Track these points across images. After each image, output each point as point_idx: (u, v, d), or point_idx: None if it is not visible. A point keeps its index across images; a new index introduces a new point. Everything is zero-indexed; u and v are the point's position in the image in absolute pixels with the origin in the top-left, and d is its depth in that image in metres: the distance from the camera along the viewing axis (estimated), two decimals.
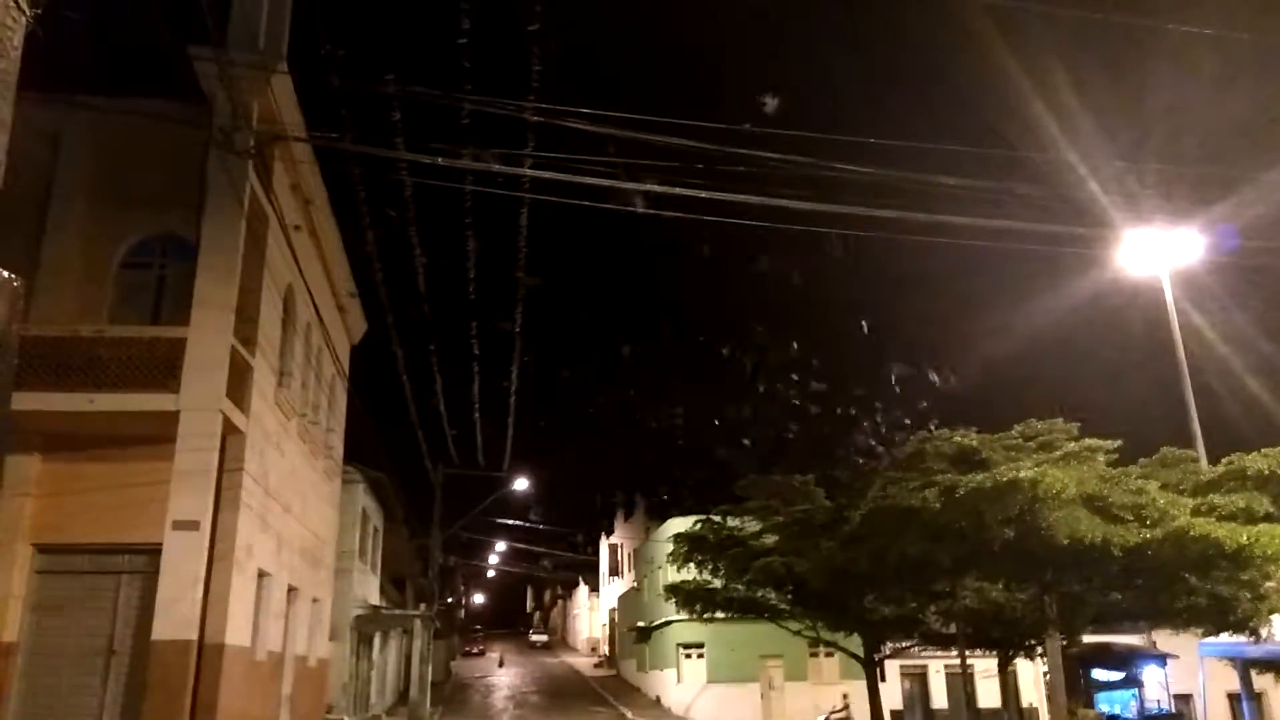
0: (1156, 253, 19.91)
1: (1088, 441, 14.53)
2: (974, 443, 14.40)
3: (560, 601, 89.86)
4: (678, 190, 7.85)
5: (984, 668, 26.84)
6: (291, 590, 16.87)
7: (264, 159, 13.87)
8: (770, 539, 21.05)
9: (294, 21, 14.17)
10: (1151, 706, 19.55)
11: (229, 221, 13.09)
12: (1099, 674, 19.68)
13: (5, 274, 2.90)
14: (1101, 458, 14.24)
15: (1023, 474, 12.09)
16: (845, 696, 26.20)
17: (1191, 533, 12.21)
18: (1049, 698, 28.79)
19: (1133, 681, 19.71)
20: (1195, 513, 13.02)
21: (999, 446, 14.47)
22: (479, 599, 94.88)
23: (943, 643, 24.83)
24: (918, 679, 32.33)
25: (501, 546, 63.52)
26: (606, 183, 7.95)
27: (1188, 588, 13.76)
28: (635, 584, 47.83)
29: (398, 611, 32.06)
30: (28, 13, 8.04)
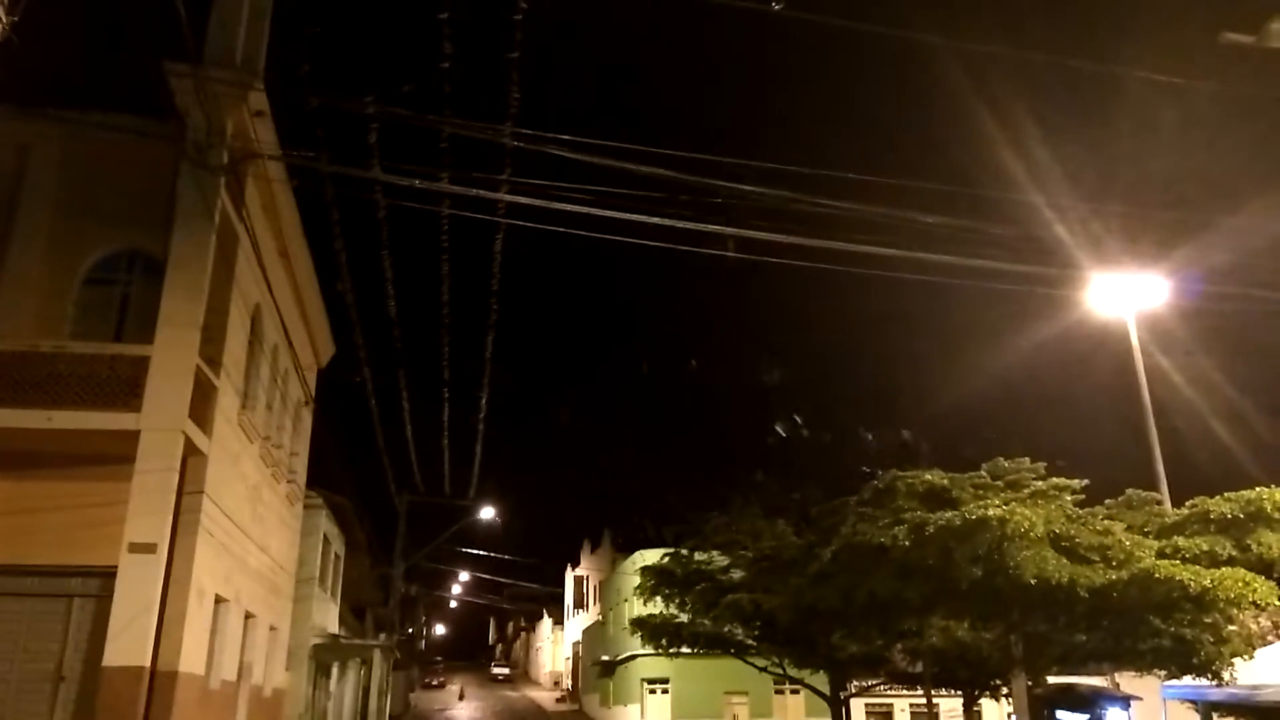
0: (1122, 296, 20.27)
1: (1054, 481, 14.61)
2: (944, 481, 14.43)
3: (523, 634, 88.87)
4: (654, 220, 7.80)
5: (949, 707, 26.77)
6: (249, 617, 16.49)
7: (237, 177, 13.74)
8: (738, 574, 20.93)
9: (271, 40, 14.10)
10: None
11: (198, 239, 12.92)
12: (1063, 715, 19.60)
13: None
14: (1069, 497, 14.31)
15: (991, 512, 12.11)
16: None
17: (1157, 574, 12.25)
18: None
19: None
20: (1160, 555, 13.08)
21: (968, 485, 14.51)
22: (440, 630, 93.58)
23: (909, 681, 24.76)
24: (883, 718, 32.19)
25: (465, 577, 62.81)
26: (581, 209, 7.89)
27: (1152, 629, 13.76)
28: (600, 617, 47.39)
29: (357, 641, 31.47)
30: (4, 20, 7.92)
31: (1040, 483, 14.68)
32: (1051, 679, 19.47)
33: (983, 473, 15.34)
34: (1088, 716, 19.90)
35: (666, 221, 7.82)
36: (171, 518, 11.97)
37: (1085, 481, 14.93)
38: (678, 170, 7.82)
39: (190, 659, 12.42)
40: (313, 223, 17.60)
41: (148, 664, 11.32)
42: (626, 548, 47.86)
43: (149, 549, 11.61)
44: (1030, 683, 15.72)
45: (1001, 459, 15.83)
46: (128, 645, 11.25)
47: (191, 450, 12.53)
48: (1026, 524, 11.98)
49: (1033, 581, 12.05)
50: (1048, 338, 23.10)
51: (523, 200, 8.06)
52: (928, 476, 14.64)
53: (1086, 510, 14.17)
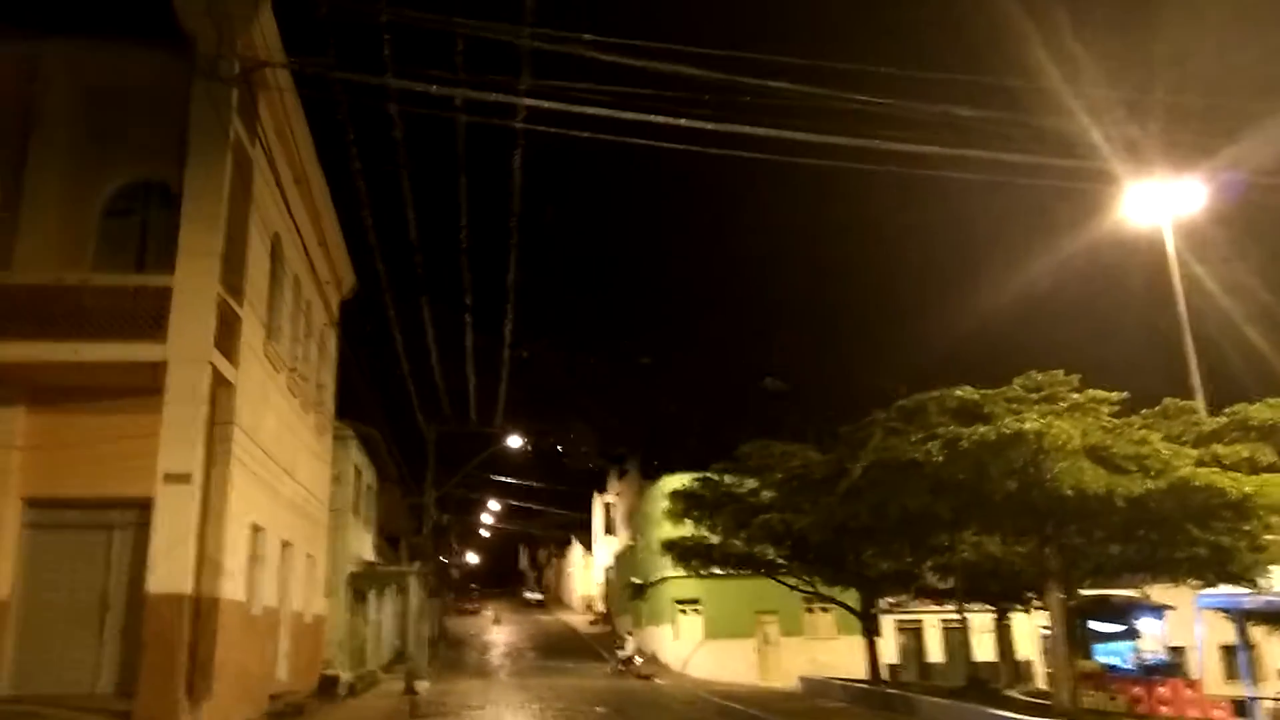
0: (1158, 203, 19.68)
1: (1092, 393, 14.37)
2: (976, 397, 14.21)
3: (554, 560, 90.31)
4: (680, 122, 7.48)
5: (978, 623, 26.98)
6: (286, 545, 16.71)
7: (250, 96, 13.45)
8: (768, 495, 20.96)
9: None
10: (1149, 658, 19.60)
11: (213, 167, 12.71)
12: (1097, 626, 19.71)
13: None
14: (1106, 409, 14.08)
15: (1027, 425, 11.93)
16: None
17: (1195, 482, 12.10)
18: (1047, 650, 29.00)
19: (1131, 633, 19.75)
20: (1198, 463, 12.90)
21: (1001, 400, 14.29)
22: (473, 558, 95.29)
23: (939, 597, 24.93)
24: (913, 633, 32.52)
25: (495, 505, 63.65)
26: (606, 113, 7.57)
27: (1189, 538, 13.65)
28: (631, 541, 47.98)
29: (393, 568, 32.03)
30: None
31: (1077, 395, 14.42)
32: (1084, 592, 19.51)
33: (1016, 386, 15.09)
34: (1123, 627, 20.04)
35: (689, 123, 7.48)
36: (204, 448, 11.99)
37: (1125, 394, 14.67)
38: (701, 68, 7.47)
39: (231, 586, 12.57)
40: (327, 146, 17.31)
41: (190, 591, 11.45)
42: (653, 473, 48.17)
43: (184, 479, 11.65)
44: (1064, 595, 15.72)
45: (1034, 372, 15.56)
46: (169, 573, 11.36)
47: (219, 380, 12.51)
48: (1064, 437, 11.80)
49: (1069, 493, 11.93)
50: (1079, 248, 22.56)
51: (542, 104, 7.74)
52: (959, 393, 14.42)
53: (1123, 420, 13.95)
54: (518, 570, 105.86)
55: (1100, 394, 14.33)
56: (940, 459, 12.75)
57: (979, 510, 13.66)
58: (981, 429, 12.50)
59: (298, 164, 16.61)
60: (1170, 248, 19.30)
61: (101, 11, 14.18)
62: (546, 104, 7.81)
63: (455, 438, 33.26)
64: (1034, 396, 14.66)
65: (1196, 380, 17.92)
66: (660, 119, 7.50)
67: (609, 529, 61.51)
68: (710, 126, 7.66)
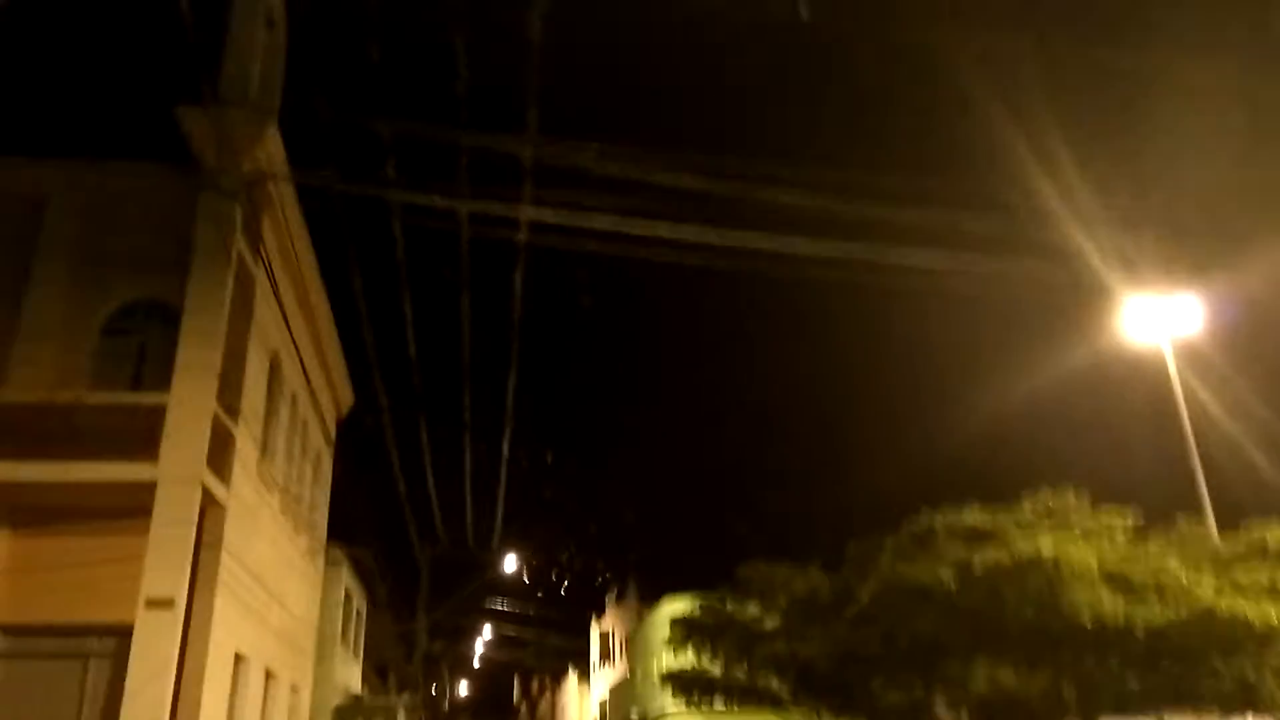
0: (1157, 320, 19.71)
1: (1105, 517, 14.01)
2: (986, 519, 13.86)
3: (549, 692, 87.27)
4: (680, 235, 7.45)
5: None
6: (270, 677, 16.00)
7: (252, 217, 13.59)
8: (773, 622, 20.21)
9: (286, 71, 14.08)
10: None
11: (215, 284, 12.74)
12: None
13: None
14: (1120, 534, 13.72)
15: (1044, 551, 11.56)
16: None
17: (1218, 612, 11.65)
18: None
19: None
20: (1218, 590, 12.46)
21: (1012, 523, 13.92)
22: (464, 688, 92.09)
23: None
24: None
25: (488, 633, 61.85)
26: (610, 226, 7.50)
27: (1212, 670, 13.09)
28: (628, 672, 46.35)
29: (380, 701, 30.76)
30: None
31: (1088, 520, 14.08)
32: None
33: (1026, 509, 14.74)
34: None
35: (693, 237, 7.45)
36: (189, 572, 11.60)
37: (1137, 517, 14.30)
38: (710, 177, 7.50)
39: None
40: (329, 261, 17.42)
41: None
42: (652, 597, 46.97)
43: (166, 604, 11.21)
44: None
45: (1044, 492, 15.21)
46: (145, 707, 10.81)
47: (210, 501, 12.20)
48: (1081, 564, 11.42)
49: (1089, 624, 11.48)
50: (1081, 362, 22.49)
51: (545, 217, 7.72)
52: (968, 517, 14.08)
53: (1139, 545, 13.56)
54: (510, 702, 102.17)
55: (1114, 518, 13.98)
56: (952, 585, 12.32)
57: (993, 638, 13.11)
58: (994, 554, 12.12)
59: (300, 282, 16.69)
60: (1171, 365, 19.26)
61: (105, 132, 14.49)
62: (550, 216, 7.80)
63: (449, 561, 32.53)
64: (1046, 521, 14.30)
65: (1205, 500, 17.56)
66: (664, 231, 7.49)
67: (605, 658, 59.59)
68: (715, 241, 7.64)
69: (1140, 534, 14.33)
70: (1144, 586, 12.07)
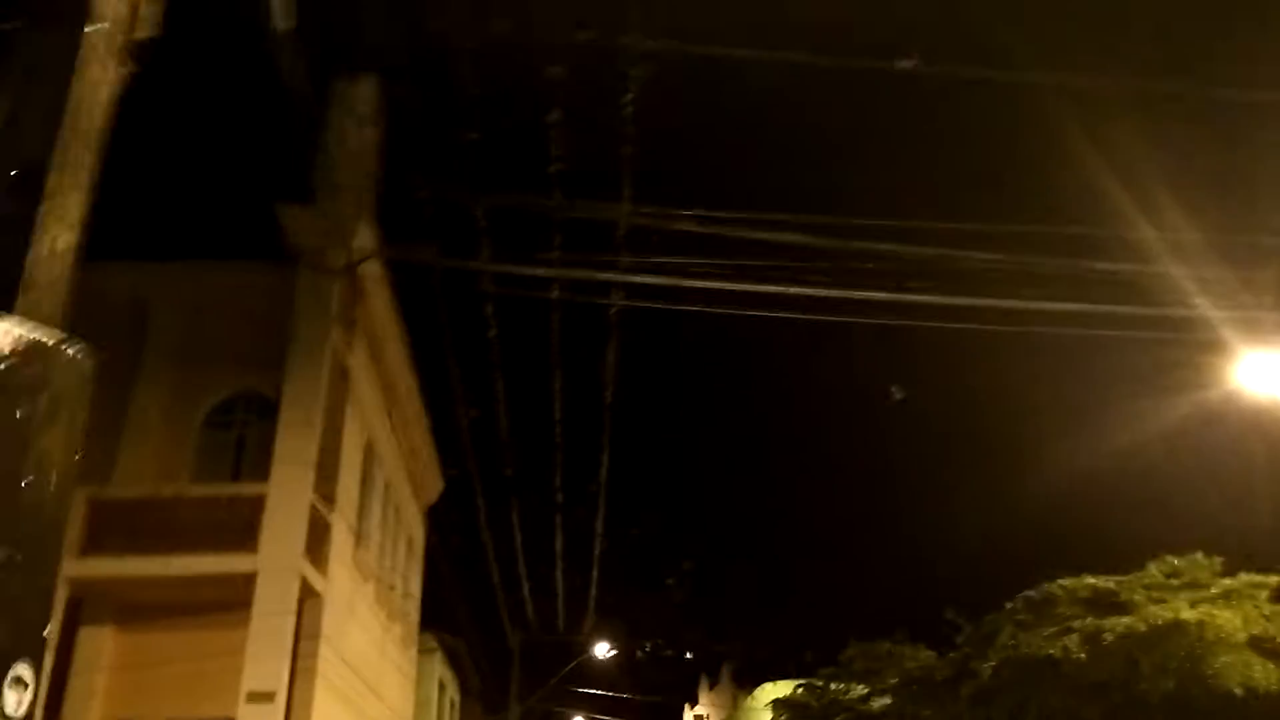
0: (1277, 373, 18.68)
1: (1247, 577, 13.04)
2: (1111, 585, 13.01)
3: None
4: (793, 290, 7.24)
5: None
6: None
7: (348, 308, 13.81)
8: (881, 703, 19.27)
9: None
10: None
11: (311, 376, 12.89)
12: None
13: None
14: (1264, 595, 12.72)
15: (1184, 615, 10.75)
16: None
17: None
18: None
19: None
20: None
21: (1139, 587, 13.05)
22: None
23: None
24: None
25: None
26: (708, 284, 7.30)
27: None
28: None
29: None
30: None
31: (1229, 580, 13.11)
32: None
33: (1154, 571, 13.83)
34: None
35: (797, 290, 7.21)
36: (289, 663, 11.49)
37: None
38: (810, 235, 7.29)
39: None
40: (420, 348, 17.58)
41: None
42: (746, 683, 45.45)
43: (267, 698, 11.09)
44: None
45: (1170, 557, 14.27)
46: None
47: (308, 592, 12.14)
48: (1229, 627, 10.57)
49: (1239, 693, 10.57)
50: (1193, 416, 21.31)
51: (646, 280, 7.57)
52: (1091, 580, 13.25)
53: None
54: None
55: (1258, 578, 12.98)
56: (1082, 655, 11.51)
57: (1131, 713, 12.17)
58: (1126, 620, 11.32)
59: (392, 371, 16.86)
60: None
61: (205, 231, 14.99)
62: (651, 279, 7.65)
63: (540, 646, 31.94)
64: (1175, 583, 13.37)
65: None
66: (769, 288, 7.28)
67: None
68: (815, 293, 7.40)
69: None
70: None
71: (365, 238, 13.64)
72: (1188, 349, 14.34)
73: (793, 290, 7.30)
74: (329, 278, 13.08)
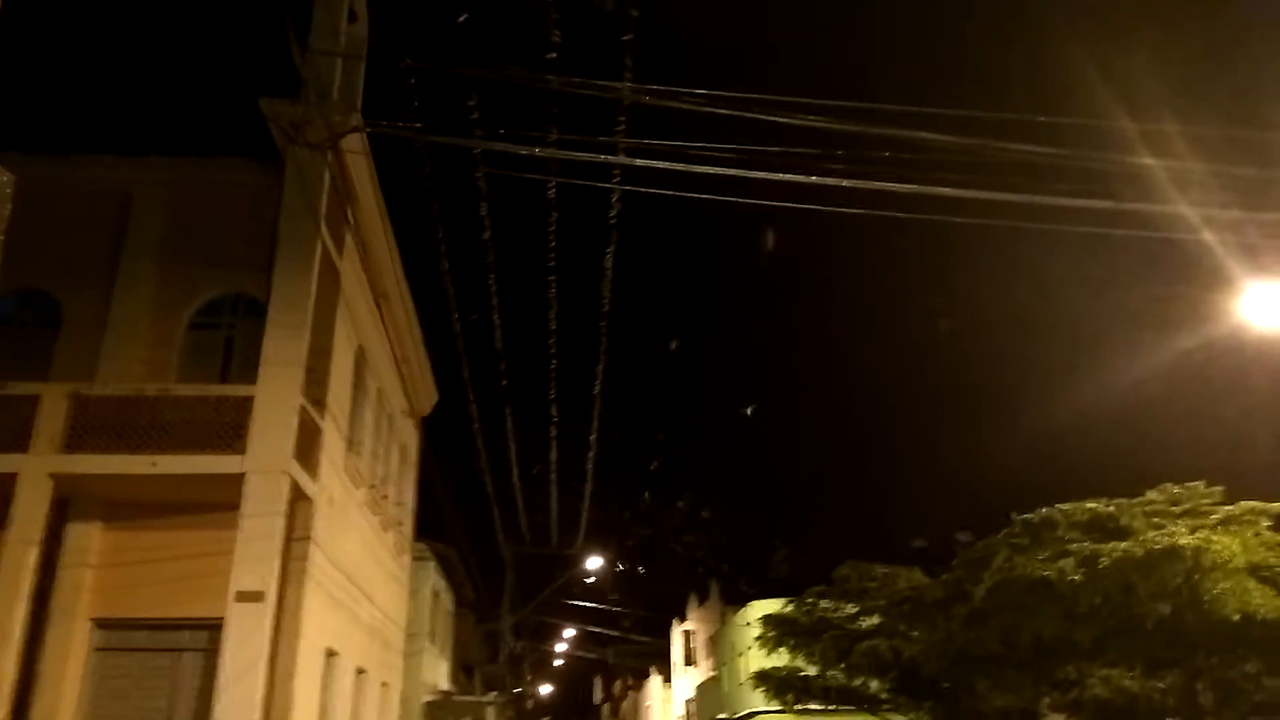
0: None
1: (1248, 504, 12.91)
2: (1111, 509, 12.88)
3: (631, 692, 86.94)
4: (810, 179, 6.76)
5: None
6: (360, 672, 15.80)
7: (337, 214, 13.40)
8: (870, 621, 19.40)
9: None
10: None
11: (299, 277, 12.53)
12: None
13: None
14: (1265, 522, 12.61)
15: (1183, 540, 10.60)
16: None
17: None
18: None
19: None
20: None
21: (1139, 513, 12.93)
22: (546, 689, 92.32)
23: None
24: None
25: (570, 632, 61.69)
26: (718, 170, 6.83)
27: None
28: (714, 673, 45.65)
29: (469, 698, 30.68)
30: None
31: (1230, 507, 12.98)
32: None
33: (1153, 497, 13.70)
34: None
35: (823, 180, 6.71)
36: (279, 565, 11.37)
37: None
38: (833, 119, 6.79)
39: (302, 715, 11.72)
40: (412, 251, 17.17)
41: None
42: (734, 600, 46.17)
43: (256, 598, 11.00)
44: None
45: (1170, 484, 14.13)
46: (238, 701, 10.60)
47: (298, 494, 11.98)
48: (1226, 553, 10.43)
49: (1235, 618, 10.49)
50: (1195, 350, 21.10)
51: (655, 164, 7.07)
52: (1090, 505, 13.12)
53: None
54: (592, 703, 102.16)
55: (1259, 505, 12.86)
56: (1077, 578, 11.42)
57: (1122, 638, 12.16)
58: (1124, 545, 11.20)
59: (384, 275, 16.49)
60: None
61: (189, 127, 14.47)
62: (654, 163, 7.18)
63: (533, 559, 32.29)
64: (1175, 510, 13.25)
65: None
66: (779, 175, 6.80)
67: (689, 659, 58.91)
68: (832, 182, 6.92)
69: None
70: None
71: (354, 136, 13.13)
72: (1192, 282, 13.98)
73: (812, 179, 6.85)
74: (317, 175, 12.66)
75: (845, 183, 6.82)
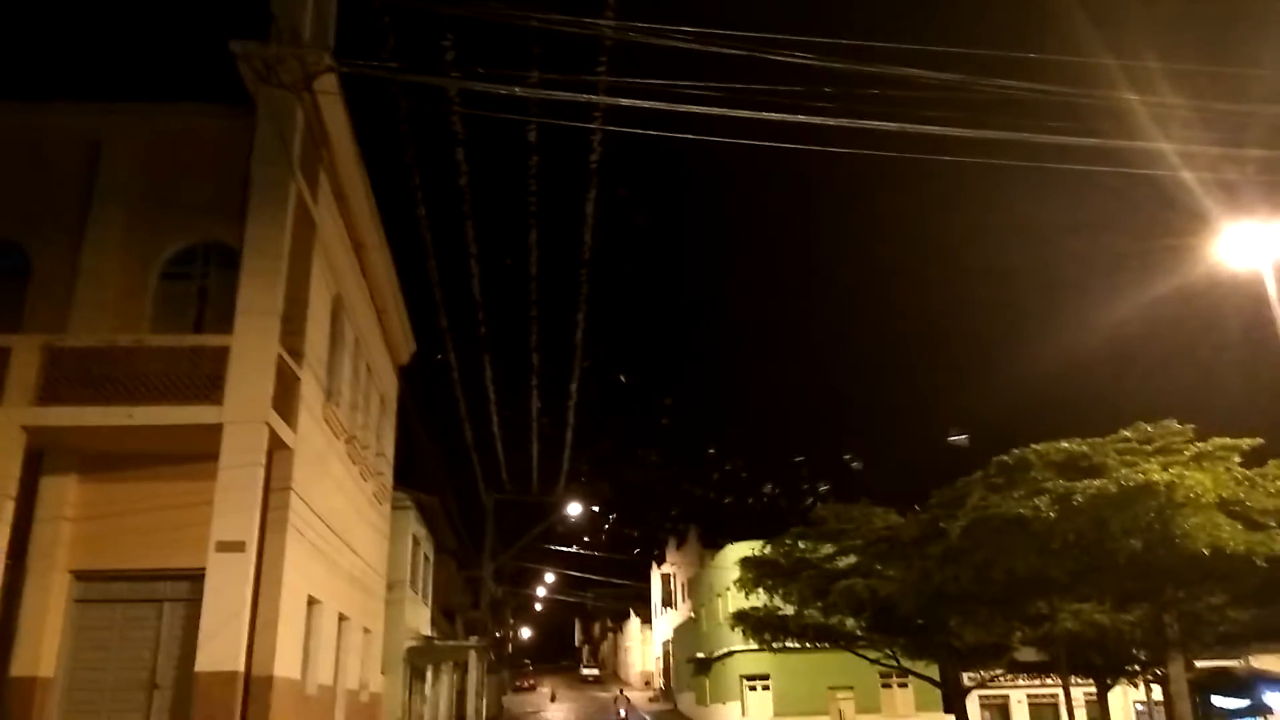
0: (1257, 246, 18.55)
1: (1219, 441, 13.15)
2: (1084, 448, 13.08)
3: (611, 634, 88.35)
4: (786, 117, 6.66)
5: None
6: (342, 619, 15.90)
7: (311, 161, 13.15)
8: (847, 561, 19.73)
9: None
10: None
11: (275, 224, 12.33)
12: (1220, 701, 18.00)
13: None
14: (1236, 458, 12.86)
15: (1155, 476, 10.80)
16: None
17: None
18: None
19: (1257, 709, 18.00)
20: None
21: (1112, 451, 13.14)
22: (527, 633, 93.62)
23: (1029, 670, 23.29)
24: (998, 710, 30.55)
25: (551, 578, 62.41)
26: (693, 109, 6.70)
27: None
28: (692, 614, 46.41)
29: (451, 643, 31.02)
30: None
31: (1201, 444, 13.22)
32: (1200, 664, 17.89)
33: (1126, 435, 13.92)
34: (1246, 702, 18.29)
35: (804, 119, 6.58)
36: (259, 515, 11.34)
37: (1257, 441, 13.42)
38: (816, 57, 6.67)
39: (285, 663, 11.78)
40: (389, 200, 16.94)
41: (242, 669, 10.70)
42: (713, 544, 46.83)
43: (237, 547, 10.98)
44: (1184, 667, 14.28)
45: (1142, 422, 14.35)
46: (220, 649, 10.64)
47: (277, 444, 11.91)
48: (1199, 489, 10.64)
49: (1206, 552, 10.74)
50: (1171, 292, 21.35)
51: (641, 104, 6.93)
52: (1065, 444, 13.32)
53: (1255, 471, 12.71)
54: (573, 645, 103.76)
55: (1229, 442, 13.10)
56: (1052, 515, 11.62)
57: (1096, 572, 12.43)
58: (1098, 482, 11.39)
59: (360, 222, 16.25)
60: (1272, 291, 18.12)
61: (160, 73, 14.09)
62: (637, 103, 7.02)
63: (513, 507, 32.51)
64: (1148, 448, 13.47)
65: None
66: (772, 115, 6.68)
67: (667, 601, 59.86)
68: (818, 121, 6.82)
69: (1254, 460, 13.46)
70: (1264, 513, 11.29)
71: (327, 79, 12.83)
72: (1171, 224, 14.07)
73: (797, 118, 6.74)
74: (290, 118, 12.40)
75: (832, 121, 6.74)
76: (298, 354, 12.76)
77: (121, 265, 12.74)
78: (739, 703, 33.31)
